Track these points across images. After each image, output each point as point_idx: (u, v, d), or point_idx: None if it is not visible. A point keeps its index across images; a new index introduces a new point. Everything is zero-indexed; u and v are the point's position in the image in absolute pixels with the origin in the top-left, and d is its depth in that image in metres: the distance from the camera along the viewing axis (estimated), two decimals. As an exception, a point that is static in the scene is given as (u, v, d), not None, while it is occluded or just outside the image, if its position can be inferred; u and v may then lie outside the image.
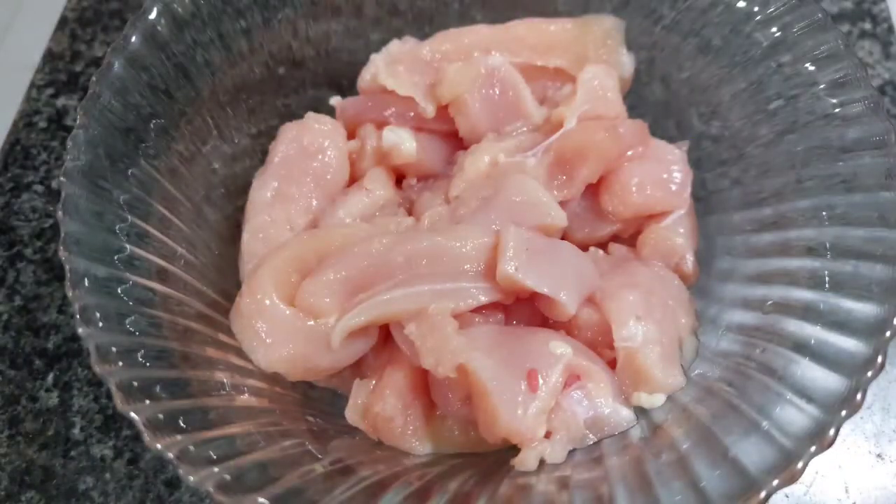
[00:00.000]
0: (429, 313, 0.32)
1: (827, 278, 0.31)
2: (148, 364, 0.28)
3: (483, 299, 0.33)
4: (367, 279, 0.33)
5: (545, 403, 0.31)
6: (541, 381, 0.31)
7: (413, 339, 0.32)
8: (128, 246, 0.31)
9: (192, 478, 0.25)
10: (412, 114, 0.40)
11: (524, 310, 0.35)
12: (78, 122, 0.31)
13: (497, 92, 0.39)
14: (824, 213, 0.33)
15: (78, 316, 0.27)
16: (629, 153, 0.38)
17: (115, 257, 0.30)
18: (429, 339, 0.31)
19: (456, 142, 0.41)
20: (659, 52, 0.42)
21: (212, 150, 0.39)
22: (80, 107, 0.32)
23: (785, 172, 0.35)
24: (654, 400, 0.34)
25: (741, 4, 0.37)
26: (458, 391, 0.32)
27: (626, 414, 0.33)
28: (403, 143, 0.39)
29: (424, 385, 0.34)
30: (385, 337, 0.35)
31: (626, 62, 0.40)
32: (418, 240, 0.34)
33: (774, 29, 0.36)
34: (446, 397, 0.33)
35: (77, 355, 0.42)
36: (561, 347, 0.32)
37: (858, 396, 0.26)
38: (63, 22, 0.56)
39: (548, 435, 0.32)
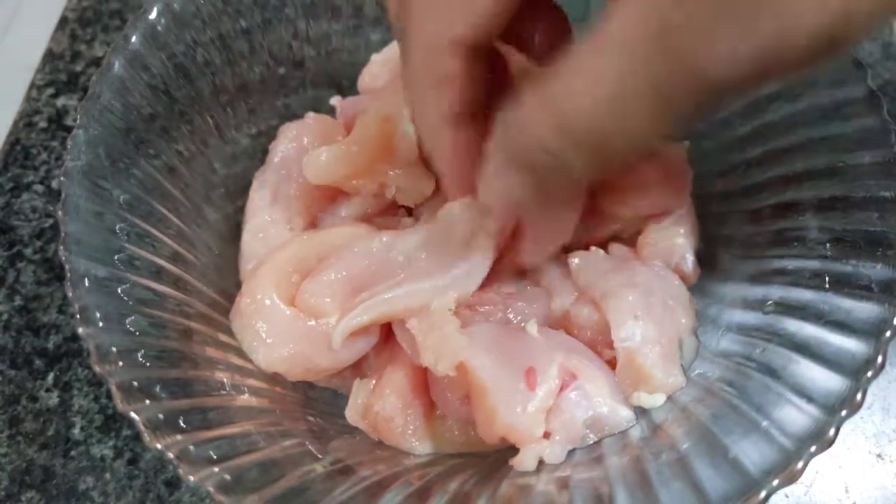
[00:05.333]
0: (431, 311, 0.32)
1: (827, 278, 0.31)
2: (148, 364, 0.28)
3: (478, 279, 0.33)
4: (368, 278, 0.33)
5: (543, 402, 0.31)
6: (539, 380, 0.31)
7: (415, 333, 0.32)
8: (128, 246, 0.31)
9: (192, 478, 0.25)
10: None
11: (524, 309, 0.35)
12: (78, 122, 0.31)
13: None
14: (824, 213, 0.33)
15: (78, 316, 0.27)
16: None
17: (115, 257, 0.30)
18: (429, 337, 0.31)
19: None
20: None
21: (212, 150, 0.39)
22: (80, 107, 0.32)
23: (784, 172, 0.35)
24: (654, 400, 0.34)
25: (741, 4, 0.37)
26: (457, 390, 0.32)
27: (626, 413, 0.33)
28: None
29: (424, 385, 0.34)
30: (386, 337, 0.35)
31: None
32: (415, 234, 0.34)
33: (774, 29, 0.36)
34: (446, 397, 0.33)
35: (77, 355, 0.42)
36: (556, 346, 0.32)
37: (858, 396, 0.26)
38: (63, 22, 0.56)
39: (546, 435, 0.32)
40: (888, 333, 0.28)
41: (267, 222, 0.38)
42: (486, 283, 0.35)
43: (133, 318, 0.29)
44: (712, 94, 0.21)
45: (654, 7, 0.21)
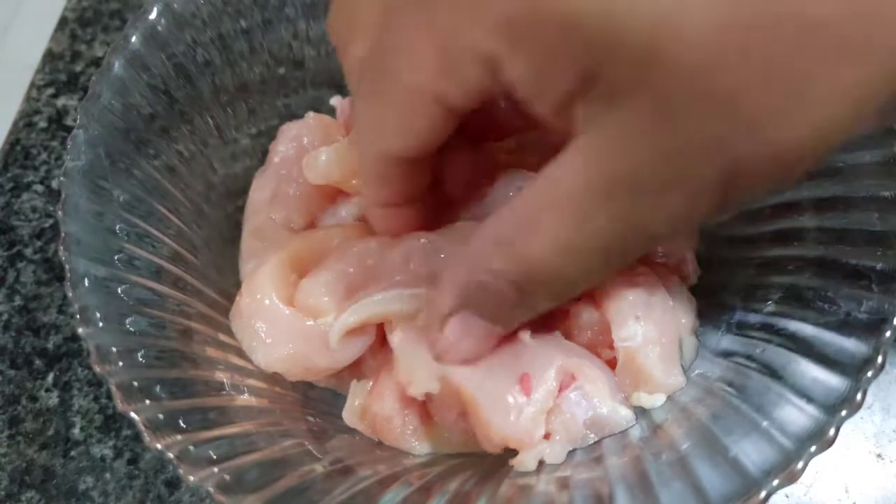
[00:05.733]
0: (415, 324, 0.32)
1: (827, 278, 0.31)
2: (148, 364, 0.28)
3: None
4: (366, 278, 0.33)
5: (541, 407, 0.31)
6: (534, 384, 0.31)
7: (394, 348, 0.32)
8: (128, 246, 0.31)
9: (192, 478, 0.25)
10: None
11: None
12: (78, 122, 0.31)
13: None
14: (824, 213, 0.33)
15: (78, 316, 0.27)
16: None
17: (115, 257, 0.30)
18: (407, 355, 0.31)
19: (456, 142, 0.41)
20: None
21: (212, 150, 0.39)
22: (80, 107, 0.32)
23: (785, 172, 0.35)
24: (654, 400, 0.34)
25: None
26: (452, 408, 0.32)
27: (626, 413, 0.33)
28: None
29: (423, 385, 0.34)
30: (384, 337, 0.35)
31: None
32: (416, 238, 0.34)
33: (774, 29, 0.36)
34: (444, 413, 0.33)
35: (77, 355, 0.42)
36: (553, 350, 0.32)
37: (858, 396, 0.26)
38: (63, 22, 0.56)
39: (547, 436, 0.32)
40: (888, 333, 0.28)
41: (267, 222, 0.38)
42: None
43: (133, 318, 0.29)
44: (661, 241, 0.23)
45: (598, 160, 0.20)
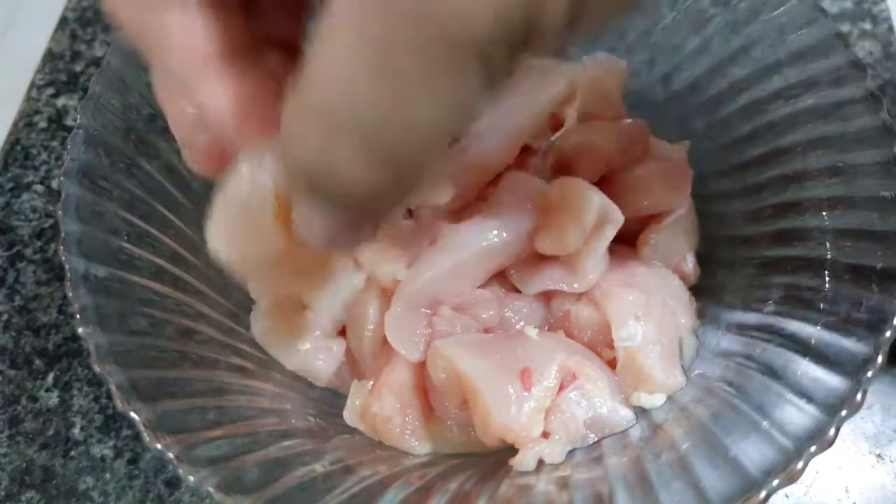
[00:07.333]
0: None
1: (827, 278, 0.31)
2: (148, 364, 0.28)
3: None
4: None
5: (540, 403, 0.31)
6: (534, 380, 0.31)
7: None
8: (128, 246, 0.31)
9: (192, 478, 0.25)
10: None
11: (523, 308, 0.35)
12: (78, 122, 0.31)
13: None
14: (824, 213, 0.33)
15: (78, 316, 0.27)
16: (629, 153, 0.38)
17: (115, 257, 0.30)
18: None
19: (456, 142, 0.41)
20: (659, 52, 0.42)
21: (212, 150, 0.39)
22: (80, 107, 0.32)
23: (784, 171, 0.35)
24: (655, 400, 0.34)
25: (742, 4, 0.37)
26: (453, 398, 0.32)
27: (626, 413, 0.33)
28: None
29: (422, 385, 0.34)
30: (384, 338, 0.35)
31: (618, 62, 0.41)
32: None
33: (774, 28, 0.36)
34: (443, 403, 0.33)
35: (77, 355, 0.42)
36: (556, 347, 0.32)
37: (858, 396, 0.26)
38: (63, 22, 0.56)
39: (546, 435, 0.32)
40: (888, 333, 0.28)
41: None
42: (487, 282, 0.35)
43: (133, 318, 0.29)
44: (470, 55, 0.17)
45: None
